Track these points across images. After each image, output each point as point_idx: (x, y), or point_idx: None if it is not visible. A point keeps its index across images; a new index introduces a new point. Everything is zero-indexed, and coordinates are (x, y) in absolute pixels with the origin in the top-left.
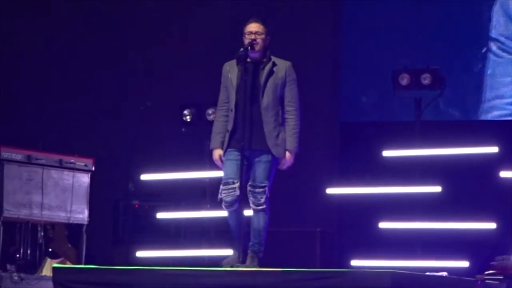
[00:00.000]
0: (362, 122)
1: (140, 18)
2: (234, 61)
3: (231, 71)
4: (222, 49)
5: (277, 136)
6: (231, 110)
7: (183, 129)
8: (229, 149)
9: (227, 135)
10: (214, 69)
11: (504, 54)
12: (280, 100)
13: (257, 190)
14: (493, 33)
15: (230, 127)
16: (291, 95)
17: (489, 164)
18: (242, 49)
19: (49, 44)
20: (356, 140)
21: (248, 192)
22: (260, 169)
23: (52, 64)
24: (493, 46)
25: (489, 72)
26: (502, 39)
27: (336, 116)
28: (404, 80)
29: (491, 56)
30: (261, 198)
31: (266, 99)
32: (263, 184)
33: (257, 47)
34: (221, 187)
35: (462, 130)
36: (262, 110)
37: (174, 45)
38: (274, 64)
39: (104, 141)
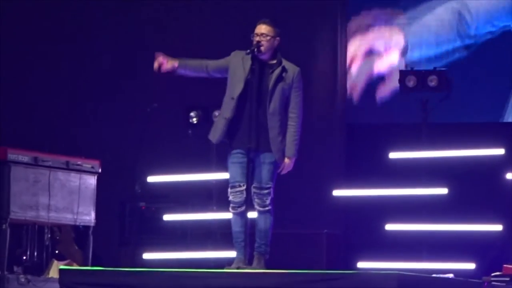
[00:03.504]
0: (368, 124)
1: (146, 20)
2: (246, 52)
3: (244, 62)
4: (229, 51)
5: (281, 141)
6: (232, 98)
7: (189, 131)
8: (233, 151)
9: (224, 122)
10: (222, 77)
11: None
12: (285, 106)
13: (263, 191)
14: None
15: (228, 115)
16: (295, 102)
17: (496, 166)
18: (248, 50)
19: (55, 46)
20: (362, 142)
21: (252, 194)
22: (265, 170)
23: (58, 66)
24: None
25: None
26: None
27: (343, 118)
28: (411, 82)
29: None
30: (267, 199)
31: (273, 104)
32: (268, 186)
33: (263, 49)
34: (229, 190)
35: (468, 132)
36: (268, 115)
37: (180, 47)
38: (284, 69)
39: (111, 143)
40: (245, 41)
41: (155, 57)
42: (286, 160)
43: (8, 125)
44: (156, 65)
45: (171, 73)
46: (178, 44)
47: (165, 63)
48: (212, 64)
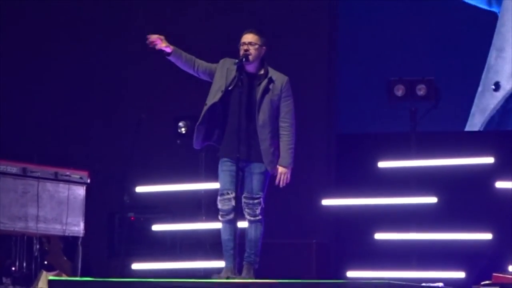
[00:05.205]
0: (357, 134)
1: (134, 29)
2: (234, 62)
3: (228, 73)
4: (217, 61)
5: (273, 153)
6: (206, 104)
7: (178, 141)
8: (222, 159)
9: (198, 127)
10: (209, 80)
11: None
12: (276, 116)
13: (253, 201)
14: None
15: (200, 120)
16: (285, 111)
17: (485, 175)
18: (237, 60)
19: (44, 57)
20: (351, 151)
21: (243, 204)
22: (255, 180)
23: (46, 77)
24: None
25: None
26: None
27: (332, 128)
28: (399, 91)
29: None
30: (257, 209)
31: (262, 116)
32: (258, 195)
33: (251, 58)
34: (218, 197)
35: (457, 140)
36: (258, 128)
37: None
38: (270, 81)
39: (99, 154)
40: (234, 50)
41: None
42: (281, 169)
43: None
44: (151, 39)
45: (162, 54)
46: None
47: (160, 41)
48: (202, 64)
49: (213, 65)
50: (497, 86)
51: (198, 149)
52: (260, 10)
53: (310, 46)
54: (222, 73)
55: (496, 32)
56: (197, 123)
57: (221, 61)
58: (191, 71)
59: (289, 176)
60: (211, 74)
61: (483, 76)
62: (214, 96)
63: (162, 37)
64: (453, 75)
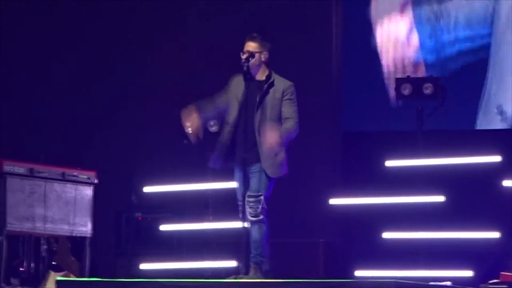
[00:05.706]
0: (364, 132)
1: (140, 30)
2: (241, 76)
3: (237, 86)
4: (223, 62)
5: (273, 156)
6: (227, 123)
7: (185, 141)
8: (235, 169)
9: (220, 147)
10: (215, 81)
11: None
12: (278, 120)
13: (252, 199)
14: None
15: (224, 140)
16: (288, 112)
17: (492, 173)
18: (243, 60)
19: (50, 56)
20: (358, 150)
21: (245, 203)
22: (255, 179)
23: (53, 78)
24: None
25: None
26: None
27: (339, 126)
28: (406, 89)
29: None
30: (257, 208)
31: (263, 121)
32: (258, 194)
33: (249, 65)
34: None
35: (464, 139)
36: (256, 131)
37: (175, 58)
38: (271, 85)
39: (107, 154)
40: (234, 50)
41: (184, 116)
42: (274, 133)
43: (3, 137)
44: (191, 128)
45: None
46: (172, 55)
47: (197, 123)
48: (218, 103)
49: (224, 93)
50: (500, 110)
51: (204, 149)
52: (260, 9)
53: (315, 44)
54: (234, 92)
55: (492, 59)
56: (220, 142)
57: (230, 80)
58: (215, 116)
59: (277, 143)
60: (227, 100)
61: (482, 104)
62: (233, 112)
63: (193, 116)
64: (459, 73)
